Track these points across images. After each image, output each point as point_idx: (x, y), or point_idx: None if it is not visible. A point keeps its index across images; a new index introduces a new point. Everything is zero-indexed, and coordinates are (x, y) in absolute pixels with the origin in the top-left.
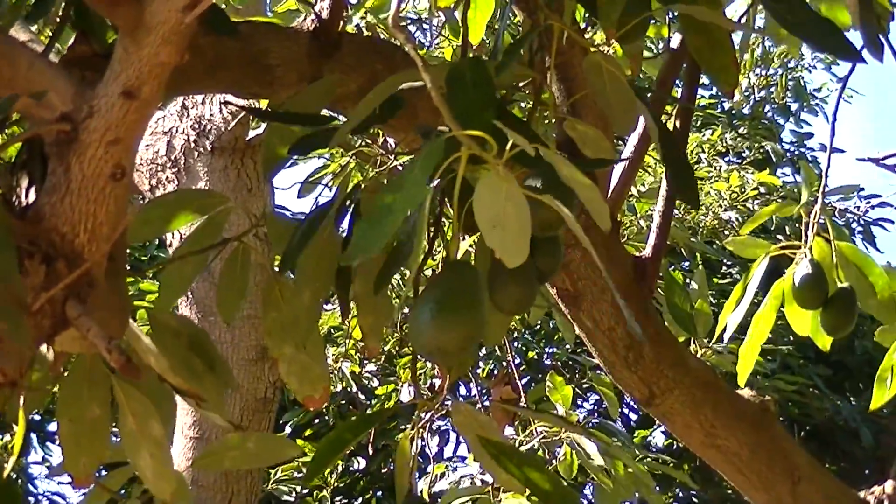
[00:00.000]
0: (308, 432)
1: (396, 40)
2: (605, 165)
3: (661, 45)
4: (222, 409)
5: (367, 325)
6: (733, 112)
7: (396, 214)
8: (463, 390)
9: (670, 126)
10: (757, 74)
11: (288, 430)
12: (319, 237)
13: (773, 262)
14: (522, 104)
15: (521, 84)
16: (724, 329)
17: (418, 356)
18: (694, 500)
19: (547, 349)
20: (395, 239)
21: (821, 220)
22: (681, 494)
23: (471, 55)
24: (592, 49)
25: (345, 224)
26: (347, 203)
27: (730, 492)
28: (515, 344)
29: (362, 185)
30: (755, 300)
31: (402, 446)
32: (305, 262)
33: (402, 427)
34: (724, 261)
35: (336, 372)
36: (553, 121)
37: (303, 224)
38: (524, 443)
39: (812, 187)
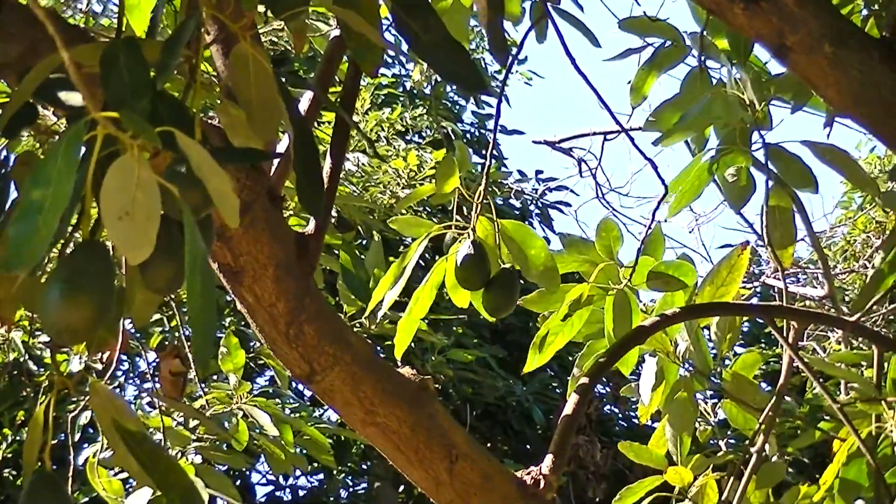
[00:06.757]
0: None
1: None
2: (246, 161)
3: None
4: None
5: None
6: (414, 91)
7: (46, 215)
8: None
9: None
10: None
11: None
12: None
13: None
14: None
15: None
16: (379, 305)
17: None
18: (364, 470)
19: (221, 322)
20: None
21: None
22: (352, 466)
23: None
24: (242, 34)
25: None
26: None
27: None
28: (186, 317)
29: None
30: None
31: (35, 421)
32: None
33: (74, 399)
34: (402, 239)
35: (8, 342)
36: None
37: None
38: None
39: (464, 165)
